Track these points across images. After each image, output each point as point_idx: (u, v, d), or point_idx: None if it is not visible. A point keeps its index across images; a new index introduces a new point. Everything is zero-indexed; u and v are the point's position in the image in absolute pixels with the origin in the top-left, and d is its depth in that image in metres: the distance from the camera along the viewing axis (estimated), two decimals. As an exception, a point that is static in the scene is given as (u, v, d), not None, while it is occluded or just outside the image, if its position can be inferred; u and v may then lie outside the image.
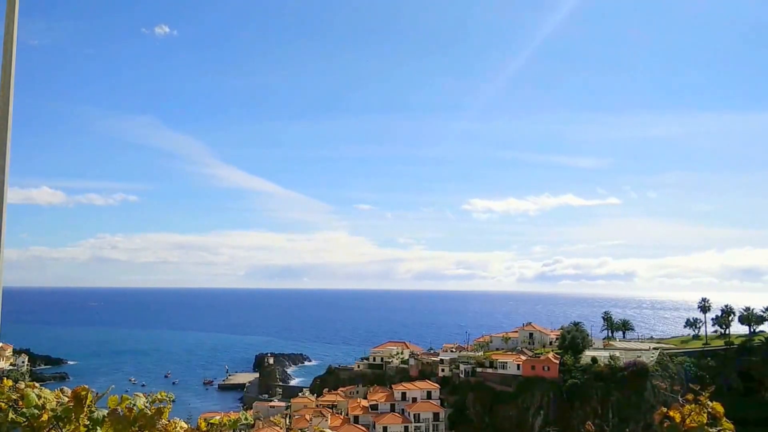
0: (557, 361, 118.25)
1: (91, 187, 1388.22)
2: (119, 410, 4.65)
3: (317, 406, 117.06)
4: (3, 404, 4.53)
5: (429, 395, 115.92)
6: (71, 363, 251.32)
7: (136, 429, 4.62)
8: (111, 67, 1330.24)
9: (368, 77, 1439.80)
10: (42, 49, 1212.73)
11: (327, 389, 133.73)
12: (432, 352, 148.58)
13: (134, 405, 4.71)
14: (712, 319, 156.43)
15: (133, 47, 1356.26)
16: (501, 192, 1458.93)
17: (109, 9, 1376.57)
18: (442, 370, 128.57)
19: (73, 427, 4.47)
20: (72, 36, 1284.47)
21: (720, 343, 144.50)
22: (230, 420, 5.36)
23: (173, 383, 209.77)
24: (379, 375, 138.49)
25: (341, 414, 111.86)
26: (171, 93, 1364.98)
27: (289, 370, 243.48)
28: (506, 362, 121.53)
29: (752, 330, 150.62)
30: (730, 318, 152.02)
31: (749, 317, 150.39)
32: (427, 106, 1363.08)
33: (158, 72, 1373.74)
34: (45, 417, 4.46)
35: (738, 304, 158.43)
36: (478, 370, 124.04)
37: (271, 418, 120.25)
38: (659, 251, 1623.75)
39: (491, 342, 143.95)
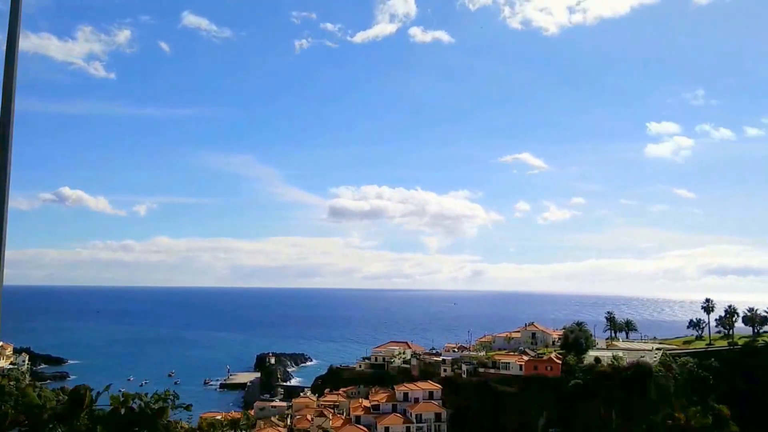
0: (560, 362, 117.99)
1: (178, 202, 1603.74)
2: (120, 409, 4.63)
3: (318, 406, 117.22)
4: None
5: (431, 396, 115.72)
6: (72, 362, 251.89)
7: (137, 429, 4.60)
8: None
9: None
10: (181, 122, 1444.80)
11: (328, 389, 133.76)
12: (434, 352, 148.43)
13: (134, 404, 4.69)
14: (716, 319, 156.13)
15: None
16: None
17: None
18: (444, 371, 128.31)
19: (73, 426, 4.45)
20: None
21: (723, 343, 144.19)
22: (231, 420, 5.32)
23: (175, 383, 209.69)
24: (380, 375, 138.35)
25: (342, 414, 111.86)
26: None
27: (290, 370, 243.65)
28: (509, 362, 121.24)
29: (756, 331, 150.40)
30: (733, 319, 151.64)
31: (753, 318, 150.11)
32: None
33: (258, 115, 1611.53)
34: (45, 416, 4.44)
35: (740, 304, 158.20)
36: (481, 370, 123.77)
37: (273, 418, 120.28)
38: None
39: (494, 342, 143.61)
